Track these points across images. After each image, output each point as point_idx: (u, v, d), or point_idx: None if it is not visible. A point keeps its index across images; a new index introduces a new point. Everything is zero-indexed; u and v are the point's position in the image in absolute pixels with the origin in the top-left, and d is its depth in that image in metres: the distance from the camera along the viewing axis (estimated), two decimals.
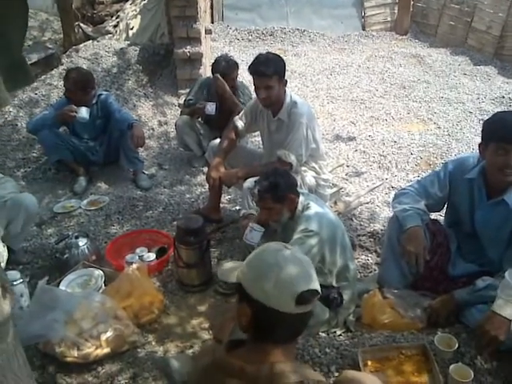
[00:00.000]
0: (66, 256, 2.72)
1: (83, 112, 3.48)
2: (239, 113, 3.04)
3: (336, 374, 1.84)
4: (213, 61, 3.86)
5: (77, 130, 3.70)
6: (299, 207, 2.20)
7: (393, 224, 2.27)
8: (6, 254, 2.39)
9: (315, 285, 1.16)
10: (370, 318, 2.17)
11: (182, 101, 4.52)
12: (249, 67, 2.69)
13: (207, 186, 3.55)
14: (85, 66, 4.50)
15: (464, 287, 2.10)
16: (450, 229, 2.31)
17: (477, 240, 2.17)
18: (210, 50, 5.55)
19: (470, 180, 2.09)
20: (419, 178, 2.53)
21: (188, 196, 3.55)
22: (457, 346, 1.87)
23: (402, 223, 2.14)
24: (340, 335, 2.20)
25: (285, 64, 2.74)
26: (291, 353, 1.18)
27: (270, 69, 2.60)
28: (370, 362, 1.84)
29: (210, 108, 3.66)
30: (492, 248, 2.13)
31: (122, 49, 5.15)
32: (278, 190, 2.16)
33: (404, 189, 2.30)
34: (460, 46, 6.46)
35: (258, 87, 2.65)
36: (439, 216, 2.69)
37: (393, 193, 3.44)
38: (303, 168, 2.79)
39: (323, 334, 2.20)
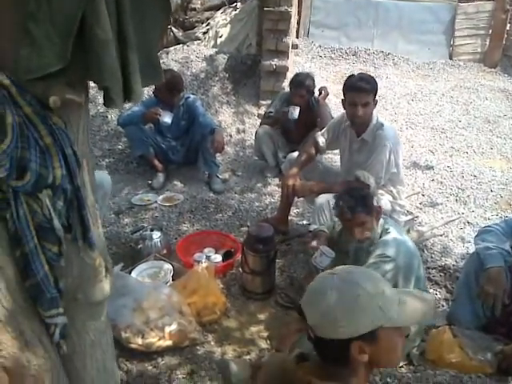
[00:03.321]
0: (139, 246, 2.84)
1: (166, 117, 3.66)
2: (321, 129, 3.06)
3: None
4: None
5: (161, 128, 3.87)
6: (378, 230, 2.17)
7: (473, 261, 2.18)
8: None
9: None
10: (436, 355, 2.10)
11: (262, 111, 4.62)
12: (344, 84, 2.70)
13: (277, 197, 3.60)
14: (175, 69, 4.71)
15: None
16: None
17: None
18: (292, 65, 5.62)
19: None
20: (507, 217, 2.42)
21: (257, 204, 3.61)
22: None
23: (484, 262, 2.06)
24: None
25: (378, 84, 2.74)
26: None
27: (368, 85, 2.62)
28: None
29: (294, 112, 3.69)
30: None
31: (211, 55, 5.35)
32: (368, 201, 2.13)
33: (489, 226, 2.21)
34: None
35: (355, 104, 2.63)
36: None
37: (468, 228, 3.31)
38: (380, 191, 2.75)
39: None
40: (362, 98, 2.61)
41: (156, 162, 3.86)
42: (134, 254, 2.86)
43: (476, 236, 2.22)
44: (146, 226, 3.01)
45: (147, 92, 4.64)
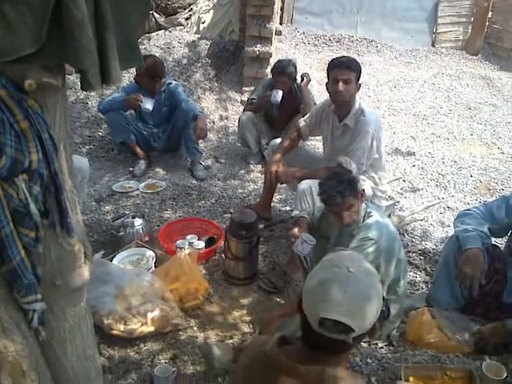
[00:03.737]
0: (121, 233, 2.82)
1: (148, 103, 3.61)
2: (304, 115, 3.06)
3: None
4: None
5: (143, 115, 3.83)
6: (361, 213, 2.19)
7: (451, 244, 2.22)
8: None
9: (345, 319, 1.04)
10: (416, 336, 2.14)
11: (245, 98, 4.59)
12: (328, 65, 2.71)
13: (260, 183, 3.61)
14: (157, 54, 4.64)
15: None
16: (509, 256, 2.24)
17: None
18: (275, 51, 5.60)
19: None
20: (486, 201, 2.47)
21: (240, 191, 3.61)
22: (505, 375, 1.82)
23: (462, 244, 2.09)
24: (382, 348, 2.18)
25: (361, 69, 2.75)
26: (343, 361, 1.16)
27: (351, 63, 2.64)
28: (412, 379, 1.81)
29: (277, 95, 3.68)
30: None
31: (193, 41, 5.29)
32: (354, 184, 2.14)
33: (469, 209, 2.25)
34: None
35: (337, 80, 2.63)
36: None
37: (448, 213, 3.37)
38: (362, 177, 2.77)
39: (365, 345, 2.18)
40: (344, 74, 2.61)
41: (137, 149, 3.83)
42: (115, 241, 2.84)
43: (455, 219, 2.26)
44: (127, 213, 2.98)
45: (128, 78, 4.59)
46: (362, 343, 2.18)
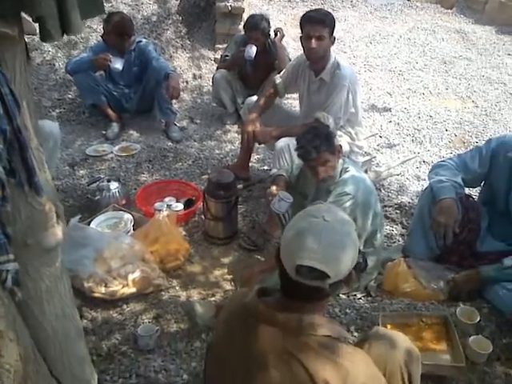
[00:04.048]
0: (97, 198, 2.78)
1: (117, 63, 3.49)
2: (279, 72, 3.00)
3: (356, 334, 1.88)
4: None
5: (113, 75, 3.71)
6: (338, 169, 2.19)
7: (426, 195, 2.25)
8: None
9: (320, 265, 1.07)
10: (392, 286, 2.20)
11: (218, 55, 4.48)
12: (301, 19, 2.63)
13: (237, 144, 3.57)
14: (125, 11, 4.42)
15: (489, 264, 2.10)
16: (483, 206, 2.29)
17: (509, 219, 2.16)
18: (248, 7, 5.43)
19: (511, 159, 2.06)
20: (459, 153, 2.50)
21: (217, 152, 3.57)
22: (478, 319, 1.89)
23: (436, 194, 2.12)
24: (360, 298, 2.23)
25: (335, 21, 2.68)
26: (320, 309, 1.19)
27: (324, 18, 2.56)
28: (389, 326, 1.87)
29: (250, 50, 3.60)
30: None
31: None
32: (331, 139, 2.12)
33: (443, 161, 2.27)
34: (507, 24, 6.18)
35: (310, 36, 2.57)
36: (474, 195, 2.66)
37: (424, 167, 3.41)
38: (339, 132, 2.76)
39: (343, 296, 2.24)
40: (317, 30, 2.55)
41: (109, 111, 3.73)
42: (91, 205, 2.80)
43: (430, 171, 2.28)
44: (102, 176, 2.93)
45: (96, 38, 4.41)
46: (341, 295, 2.24)
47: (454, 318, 1.91)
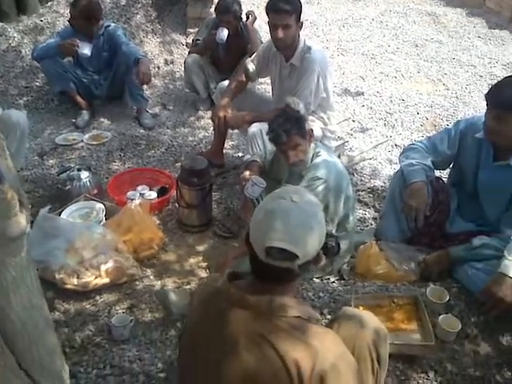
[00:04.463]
0: (67, 187, 2.73)
1: (85, 48, 3.40)
2: (251, 55, 2.97)
3: (328, 317, 1.90)
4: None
5: (81, 61, 3.61)
6: (310, 154, 2.19)
7: (397, 178, 2.28)
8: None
9: (289, 246, 1.08)
10: (365, 268, 2.23)
11: (190, 40, 4.41)
12: (267, 4, 2.60)
13: (211, 130, 3.54)
14: None
15: (459, 245, 2.14)
16: (452, 188, 2.33)
17: (477, 200, 2.20)
18: None
19: (479, 140, 2.09)
20: (429, 135, 2.52)
21: (191, 139, 3.54)
22: (448, 298, 1.94)
23: (407, 178, 2.15)
24: (333, 282, 2.26)
25: (302, 5, 2.65)
26: (291, 290, 1.20)
27: (289, 5, 2.51)
28: (361, 308, 1.89)
29: (222, 34, 3.54)
30: (491, 209, 2.16)
31: None
32: (301, 123, 2.12)
33: (413, 144, 2.30)
34: (478, 7, 6.26)
35: (275, 26, 2.54)
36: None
37: (396, 150, 3.45)
38: (311, 117, 2.75)
39: (317, 280, 2.26)
40: (283, 19, 2.52)
41: (79, 99, 3.64)
42: (62, 195, 2.74)
43: (400, 154, 2.30)
44: (72, 166, 2.87)
45: (63, 23, 4.28)
46: (314, 279, 2.26)
47: (424, 297, 1.94)
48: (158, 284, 2.31)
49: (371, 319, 1.34)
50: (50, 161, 3.17)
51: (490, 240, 2.02)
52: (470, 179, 2.20)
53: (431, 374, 1.74)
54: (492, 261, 1.91)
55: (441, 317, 1.84)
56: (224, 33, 3.55)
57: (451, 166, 2.33)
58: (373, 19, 5.79)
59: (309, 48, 2.65)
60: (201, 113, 3.87)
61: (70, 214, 2.57)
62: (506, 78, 2.08)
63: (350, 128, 3.72)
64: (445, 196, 2.28)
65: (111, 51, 3.60)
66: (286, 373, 1.04)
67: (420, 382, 1.72)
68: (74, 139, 3.40)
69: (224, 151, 3.24)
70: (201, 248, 2.59)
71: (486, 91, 2.00)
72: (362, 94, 4.23)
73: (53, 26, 4.31)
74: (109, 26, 3.60)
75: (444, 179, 2.49)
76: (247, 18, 3.79)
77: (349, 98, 4.16)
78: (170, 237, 2.63)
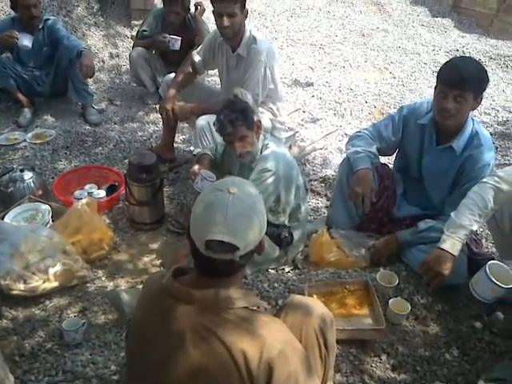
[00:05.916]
0: (10, 189, 2.63)
1: (25, 40, 3.25)
2: (198, 46, 2.92)
3: None
4: None
5: (21, 56, 3.46)
6: (259, 146, 2.18)
7: (344, 166, 2.32)
8: None
9: (229, 238, 1.07)
10: (317, 257, 2.26)
11: (135, 32, 4.29)
12: None
13: (161, 125, 3.47)
14: None
15: (407, 229, 2.21)
16: (398, 173, 2.39)
17: (422, 185, 2.27)
18: None
19: (422, 125, 2.14)
20: (375, 122, 2.57)
21: (140, 134, 3.46)
22: (397, 282, 1.99)
23: (353, 165, 2.19)
24: (288, 272, 2.28)
25: None
26: (236, 282, 1.20)
27: None
28: (315, 296, 1.92)
29: (176, 44, 3.49)
30: (435, 193, 2.23)
31: None
32: (248, 114, 2.10)
33: (359, 131, 2.33)
34: None
35: (220, 14, 2.50)
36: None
37: (345, 140, 3.47)
38: (260, 109, 2.75)
39: (272, 271, 2.28)
40: (227, 7, 2.48)
41: (20, 96, 3.49)
42: (4, 198, 2.63)
43: (347, 142, 2.34)
44: (15, 166, 2.75)
45: (2, 14, 4.07)
46: (269, 270, 2.28)
47: (374, 282, 2.00)
48: (110, 285, 2.26)
49: (317, 306, 1.36)
50: None
51: (435, 223, 2.09)
52: (414, 164, 2.26)
53: (384, 357, 1.80)
54: (437, 243, 1.97)
55: (391, 300, 1.90)
56: (178, 43, 3.49)
57: (397, 151, 2.39)
58: (320, 9, 5.85)
59: (255, 38, 2.63)
60: (149, 107, 3.79)
61: (13, 217, 2.48)
62: (454, 58, 2.13)
63: (300, 118, 3.74)
64: (390, 182, 2.34)
65: (52, 46, 3.47)
66: (233, 364, 1.04)
67: (373, 365, 1.77)
68: (15, 139, 3.27)
69: (175, 145, 3.19)
70: (154, 246, 2.55)
71: (430, 78, 2.03)
72: (312, 84, 4.26)
73: None
74: (48, 19, 3.46)
75: (390, 165, 2.56)
76: (196, 9, 3.73)
77: (299, 88, 4.18)
78: (122, 236, 2.57)
